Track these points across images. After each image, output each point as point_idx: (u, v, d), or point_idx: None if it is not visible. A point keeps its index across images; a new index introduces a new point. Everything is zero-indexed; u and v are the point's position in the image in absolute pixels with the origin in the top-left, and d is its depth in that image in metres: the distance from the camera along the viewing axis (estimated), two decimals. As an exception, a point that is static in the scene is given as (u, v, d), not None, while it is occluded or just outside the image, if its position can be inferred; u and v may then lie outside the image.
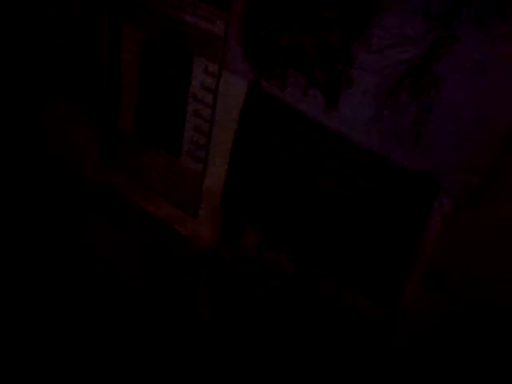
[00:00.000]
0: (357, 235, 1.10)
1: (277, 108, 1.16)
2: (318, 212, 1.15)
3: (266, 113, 1.18)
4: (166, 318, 1.51)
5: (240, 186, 1.28)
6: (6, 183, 1.72)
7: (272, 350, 1.34)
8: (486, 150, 0.89)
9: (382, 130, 1.00)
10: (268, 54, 1.13)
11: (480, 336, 0.99)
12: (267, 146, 1.21)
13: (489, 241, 0.94)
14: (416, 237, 1.02)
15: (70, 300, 1.54)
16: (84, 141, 1.62)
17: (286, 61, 1.11)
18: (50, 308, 1.49)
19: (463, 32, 0.86)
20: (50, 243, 1.67)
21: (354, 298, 1.13)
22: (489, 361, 1.00)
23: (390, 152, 1.01)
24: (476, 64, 0.86)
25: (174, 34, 1.29)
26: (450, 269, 1.00)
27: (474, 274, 0.97)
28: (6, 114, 1.73)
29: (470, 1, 0.84)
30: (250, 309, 1.34)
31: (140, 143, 1.49)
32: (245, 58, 1.17)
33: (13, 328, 1.42)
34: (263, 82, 1.16)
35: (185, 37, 1.27)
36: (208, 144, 1.34)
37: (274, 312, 1.30)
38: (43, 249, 1.65)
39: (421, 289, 1.04)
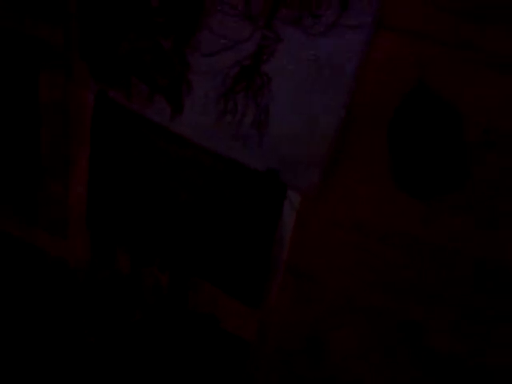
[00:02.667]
0: (217, 239, 1.10)
1: (126, 117, 1.12)
2: (179, 219, 1.13)
3: (116, 123, 1.14)
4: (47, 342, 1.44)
5: (101, 202, 1.24)
6: None
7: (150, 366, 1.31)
8: (322, 148, 0.90)
9: (227, 133, 0.99)
10: (109, 64, 1.09)
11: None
12: (121, 157, 1.17)
13: (337, 231, 0.96)
14: (272, 234, 1.03)
15: None
16: None
17: (128, 69, 1.07)
18: None
19: (284, 31, 0.87)
20: None
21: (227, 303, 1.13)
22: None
23: (236, 154, 1.00)
24: (299, 62, 0.87)
25: (15, 47, 1.22)
26: (308, 262, 1.01)
27: (330, 266, 0.99)
28: None
29: (285, 2, 0.85)
30: (129, 328, 1.31)
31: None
32: (88, 70, 1.12)
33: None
34: (110, 92, 1.12)
35: (27, 50, 1.20)
36: (67, 160, 1.28)
37: (153, 329, 1.27)
38: None
39: (284, 285, 1.05)
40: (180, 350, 1.23)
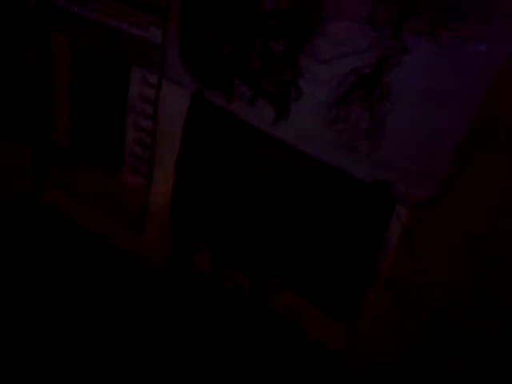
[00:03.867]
0: (314, 248, 1.08)
1: (223, 119, 1.11)
2: (271, 226, 1.12)
3: (211, 124, 1.13)
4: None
5: (187, 200, 1.23)
6: None
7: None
8: (440, 162, 0.88)
9: (335, 142, 0.97)
10: (210, 65, 1.08)
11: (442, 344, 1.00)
12: (213, 159, 1.16)
13: (445, 249, 0.94)
14: (375, 248, 1.01)
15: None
16: (15, 156, 1.51)
17: (230, 71, 1.06)
18: None
19: (411, 42, 0.85)
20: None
21: (314, 314, 1.11)
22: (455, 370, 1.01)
23: (344, 164, 0.98)
24: (425, 75, 0.85)
25: (108, 41, 1.21)
26: (408, 279, 0.99)
27: (432, 283, 0.97)
28: None
29: (417, 11, 0.82)
30: (207, 330, 1.30)
31: (76, 158, 1.40)
32: (185, 69, 1.11)
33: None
34: (207, 93, 1.11)
35: (120, 45, 1.20)
36: (151, 157, 1.27)
37: (231, 332, 1.26)
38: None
39: (379, 300, 1.03)
40: (260, 357, 1.22)
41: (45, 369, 1.27)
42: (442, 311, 0.99)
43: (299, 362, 1.18)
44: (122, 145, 1.31)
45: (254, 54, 1.01)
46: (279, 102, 1.01)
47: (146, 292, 1.38)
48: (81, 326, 1.39)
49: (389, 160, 0.93)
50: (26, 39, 1.32)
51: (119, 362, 1.31)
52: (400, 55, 0.86)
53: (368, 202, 0.98)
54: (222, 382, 1.24)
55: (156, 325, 1.36)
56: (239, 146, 1.11)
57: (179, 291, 1.32)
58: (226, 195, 1.16)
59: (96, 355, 1.32)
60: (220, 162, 1.15)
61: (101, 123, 1.33)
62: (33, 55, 1.33)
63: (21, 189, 1.51)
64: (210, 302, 1.27)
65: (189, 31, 1.08)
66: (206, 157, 1.16)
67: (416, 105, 0.87)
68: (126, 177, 1.33)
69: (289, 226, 1.10)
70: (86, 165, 1.40)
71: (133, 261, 1.38)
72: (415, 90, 0.87)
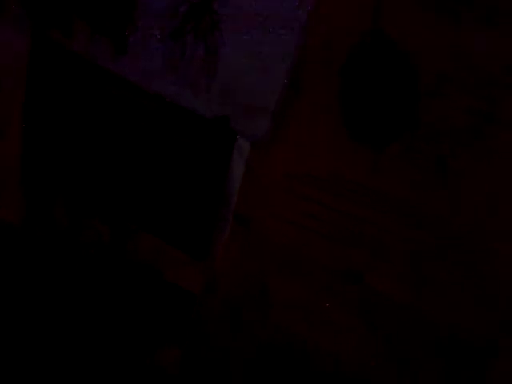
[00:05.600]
0: (163, 188, 1.06)
1: (66, 58, 1.05)
2: (120, 168, 1.09)
3: (55, 64, 1.07)
4: None
5: (38, 154, 1.16)
6: None
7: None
8: (272, 93, 0.88)
9: (175, 77, 0.95)
10: (47, 2, 1.01)
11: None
12: (59, 103, 1.10)
13: (286, 180, 0.95)
14: (221, 183, 1.01)
15: None
16: None
17: (67, 8, 1.00)
18: None
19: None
20: None
21: (171, 256, 1.11)
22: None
23: (184, 100, 0.96)
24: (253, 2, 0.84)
25: None
26: (257, 212, 1.00)
27: (279, 217, 0.98)
28: None
29: None
30: (69, 281, 1.26)
31: None
32: (22, 8, 1.04)
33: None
34: (48, 31, 1.05)
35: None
36: (-1, 108, 1.19)
37: (94, 282, 1.23)
38: None
39: (231, 237, 1.04)
40: (122, 302, 1.20)
41: None
42: (296, 245, 1.00)
43: (160, 305, 1.17)
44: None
45: (88, -14, 0.97)
46: (116, 36, 0.97)
47: (8, 250, 1.31)
48: None
49: (226, 95, 0.92)
50: None
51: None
52: (227, -18, 0.85)
53: (210, 137, 0.97)
54: (87, 328, 1.21)
55: (21, 279, 1.30)
56: (84, 86, 1.06)
57: (40, 246, 1.26)
58: (73, 141, 1.11)
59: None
60: (66, 105, 1.09)
61: None
62: None
63: None
64: (71, 253, 1.23)
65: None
66: (52, 102, 1.10)
67: (247, 33, 0.87)
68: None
69: (137, 167, 1.07)
70: None
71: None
72: (245, 16, 0.86)
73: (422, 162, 0.82)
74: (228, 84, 0.92)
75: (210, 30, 0.88)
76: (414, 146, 0.82)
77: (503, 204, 0.81)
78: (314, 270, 0.99)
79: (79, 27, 1.01)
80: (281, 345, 1.07)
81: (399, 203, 0.87)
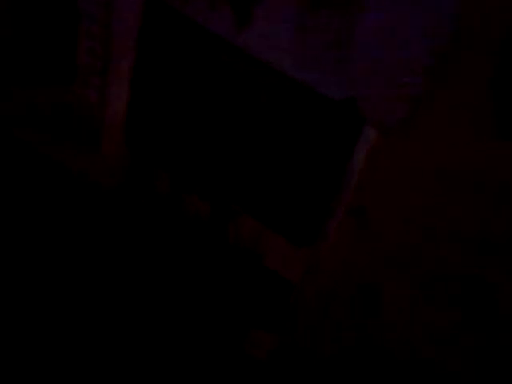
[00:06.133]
0: (276, 170, 0.99)
1: (180, 24, 0.99)
2: (234, 147, 1.03)
3: (168, 29, 1.01)
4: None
5: (144, 120, 1.12)
6: None
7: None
8: (413, 80, 0.79)
9: (303, 52, 0.87)
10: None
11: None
12: (172, 71, 1.04)
13: (413, 175, 0.86)
14: (340, 171, 0.93)
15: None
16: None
17: (189, -32, 0.93)
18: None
19: None
20: None
21: (274, 240, 1.05)
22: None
23: (310, 78, 0.88)
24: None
25: None
26: (374, 205, 0.92)
27: (398, 211, 0.90)
28: None
29: None
30: (168, 257, 1.23)
31: (26, 75, 1.28)
32: (140, -35, 0.98)
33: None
34: (164, -5, 0.99)
35: None
36: (105, 69, 1.15)
37: (191, 261, 1.19)
38: None
39: (342, 228, 0.96)
40: (219, 285, 1.16)
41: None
42: (412, 244, 0.92)
43: (257, 289, 1.13)
44: (74, 56, 1.18)
45: None
46: (240, 4, 0.89)
47: (106, 212, 1.30)
48: (37, 251, 1.32)
49: (357, 76, 0.83)
50: None
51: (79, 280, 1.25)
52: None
53: (335, 121, 0.89)
54: (184, 308, 1.19)
55: (116, 249, 1.29)
56: (198, 55, 1.00)
57: (138, 214, 1.24)
58: (184, 114, 1.06)
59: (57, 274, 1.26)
60: (178, 74, 1.04)
61: (51, 33, 1.19)
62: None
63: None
64: (170, 226, 1.20)
65: None
66: (163, 69, 1.05)
67: (386, 14, 0.77)
68: (79, 90, 1.22)
69: (250, 147, 1.01)
70: (40, 85, 1.28)
71: (88, 181, 1.28)
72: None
73: None
74: (362, 66, 0.83)
75: (347, 5, 0.79)
76: None
77: None
78: (427, 273, 0.91)
79: (199, -9, 0.94)
80: (379, 348, 1.00)
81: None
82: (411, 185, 0.88)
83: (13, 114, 1.29)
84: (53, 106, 1.31)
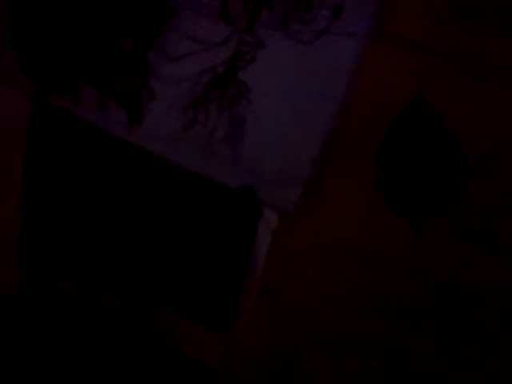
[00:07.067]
0: (184, 261, 0.99)
1: (71, 125, 0.98)
2: (138, 241, 1.01)
3: (58, 131, 1.00)
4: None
5: (39, 221, 1.08)
6: None
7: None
8: (304, 164, 0.83)
9: (195, 147, 0.89)
10: (51, 67, 0.94)
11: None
12: (64, 170, 1.02)
13: (318, 253, 0.90)
14: (246, 254, 0.95)
15: None
16: None
17: (74, 72, 0.94)
18: None
19: (266, 36, 0.78)
20: None
21: (189, 328, 1.03)
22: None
23: (207, 170, 0.90)
24: (283, 72, 0.79)
25: None
26: (284, 285, 0.94)
27: (309, 289, 0.92)
28: None
29: (270, 4, 0.76)
30: (75, 356, 1.16)
31: None
32: (22, 70, 0.97)
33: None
34: (53, 98, 0.98)
35: None
36: (-6, 171, 1.11)
37: (104, 356, 1.14)
38: None
39: (256, 310, 0.97)
40: (137, 377, 1.11)
41: None
42: (329, 319, 0.94)
43: (178, 378, 1.10)
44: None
45: (99, 51, 0.90)
46: (130, 104, 0.90)
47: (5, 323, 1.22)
48: None
49: (252, 165, 0.87)
50: None
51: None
52: (255, 51, 0.80)
53: (235, 208, 0.91)
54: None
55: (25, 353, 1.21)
56: (93, 154, 0.99)
57: (42, 318, 1.17)
58: (83, 212, 1.03)
59: None
60: (72, 174, 1.02)
61: None
62: None
63: None
64: (80, 325, 1.14)
65: (23, 30, 0.94)
66: (56, 168, 1.03)
67: (275, 105, 0.82)
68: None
69: (155, 240, 1.00)
70: None
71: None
72: (274, 88, 0.81)
73: (470, 238, 0.78)
74: (255, 154, 0.86)
75: (236, 99, 0.83)
76: (460, 221, 0.78)
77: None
78: (347, 347, 0.93)
79: (87, 93, 0.94)
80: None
81: (442, 279, 0.83)
82: (318, 262, 0.91)
83: None
84: None
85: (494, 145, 0.74)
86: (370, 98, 0.77)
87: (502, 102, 0.72)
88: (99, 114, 0.94)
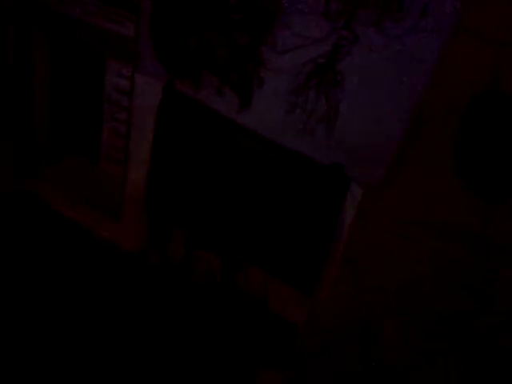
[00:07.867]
0: (277, 228, 1.15)
1: (192, 108, 1.18)
2: (240, 208, 1.19)
3: (182, 113, 1.20)
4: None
5: (162, 187, 1.29)
6: None
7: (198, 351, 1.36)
8: (388, 144, 0.95)
9: (295, 127, 1.04)
10: (179, 56, 1.14)
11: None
12: (185, 146, 1.22)
13: (398, 226, 1.01)
14: (332, 225, 1.08)
15: None
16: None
17: (198, 63, 1.13)
18: None
19: (362, 32, 0.92)
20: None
21: (279, 288, 1.19)
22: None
23: (303, 148, 1.05)
24: (374, 63, 0.92)
25: (84, 36, 1.27)
26: (365, 255, 1.06)
27: (388, 261, 1.04)
28: None
29: (366, 4, 0.90)
30: (179, 311, 1.36)
31: (58, 151, 1.46)
32: (157, 61, 1.18)
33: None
34: (178, 83, 1.18)
35: (96, 40, 1.26)
36: (127, 146, 1.33)
37: (204, 312, 1.32)
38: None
39: (338, 276, 1.10)
40: (230, 332, 1.28)
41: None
42: (404, 289, 1.05)
43: (264, 333, 1.25)
44: (99, 135, 1.37)
45: (219, 45, 1.09)
46: (243, 90, 1.08)
47: (123, 277, 1.44)
48: (65, 310, 1.45)
49: (343, 144, 1.00)
50: (8, 40, 1.38)
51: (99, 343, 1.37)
52: (351, 45, 0.94)
53: (326, 182, 1.05)
54: (195, 353, 1.30)
55: (133, 311, 1.42)
56: (208, 132, 1.17)
57: (155, 276, 1.38)
58: (198, 181, 1.23)
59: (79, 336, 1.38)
60: (191, 148, 1.21)
61: (80, 116, 1.39)
62: (13, 55, 1.39)
63: (5, 182, 1.56)
64: (184, 283, 1.33)
65: (160, 26, 1.15)
66: (178, 144, 1.23)
67: (366, 91, 0.95)
68: (104, 165, 1.39)
69: (255, 207, 1.16)
70: (67, 157, 1.46)
71: (110, 247, 1.43)
72: (365, 77, 0.94)
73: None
74: (346, 135, 1.00)
75: (332, 86, 0.97)
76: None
77: None
78: (421, 315, 1.03)
79: (207, 80, 1.13)
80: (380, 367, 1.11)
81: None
82: (397, 235, 1.02)
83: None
84: (81, 177, 1.48)
85: None
86: (449, 87, 0.88)
87: None
88: (216, 98, 1.12)
